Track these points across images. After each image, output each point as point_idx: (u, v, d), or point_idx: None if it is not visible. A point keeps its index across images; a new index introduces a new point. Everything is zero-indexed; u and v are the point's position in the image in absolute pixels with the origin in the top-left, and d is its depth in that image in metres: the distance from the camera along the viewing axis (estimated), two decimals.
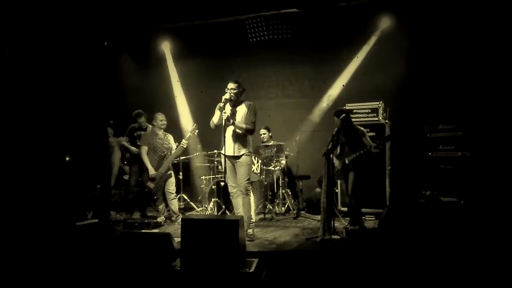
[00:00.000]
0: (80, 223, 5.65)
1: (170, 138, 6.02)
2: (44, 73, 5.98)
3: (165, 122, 5.93)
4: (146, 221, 5.62)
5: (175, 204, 5.89)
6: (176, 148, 5.86)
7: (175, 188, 5.96)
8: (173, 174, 5.95)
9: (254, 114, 4.81)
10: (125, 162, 6.44)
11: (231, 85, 4.79)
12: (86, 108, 6.44)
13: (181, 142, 5.76)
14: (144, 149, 5.82)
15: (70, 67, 6.27)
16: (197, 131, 5.75)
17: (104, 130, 6.60)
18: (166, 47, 7.91)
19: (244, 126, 4.75)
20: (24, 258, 4.13)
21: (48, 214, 5.48)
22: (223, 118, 4.64)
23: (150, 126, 6.27)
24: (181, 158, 6.40)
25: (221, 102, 4.67)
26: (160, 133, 5.92)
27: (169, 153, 5.86)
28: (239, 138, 4.79)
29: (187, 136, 5.75)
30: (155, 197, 5.82)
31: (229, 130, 4.79)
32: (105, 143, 6.62)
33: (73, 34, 6.25)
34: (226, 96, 4.68)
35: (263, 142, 6.69)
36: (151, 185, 5.73)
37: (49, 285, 3.70)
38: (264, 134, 6.71)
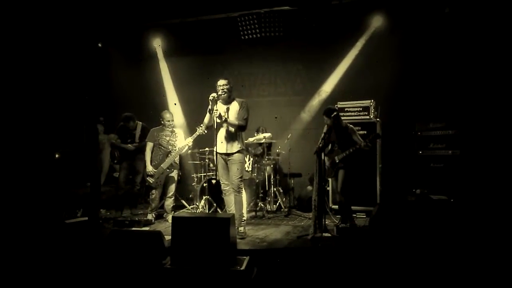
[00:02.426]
0: (69, 221, 5.59)
1: (179, 135, 5.96)
2: (33, 70, 5.91)
3: (171, 122, 5.88)
4: (137, 219, 5.59)
5: (169, 202, 5.87)
6: (182, 145, 5.79)
7: (174, 187, 5.93)
8: (176, 173, 5.91)
9: (246, 111, 4.80)
10: (115, 161, 6.38)
11: (221, 82, 4.77)
12: (76, 105, 6.38)
13: (186, 140, 5.68)
14: (149, 145, 5.80)
15: (60, 63, 6.20)
16: (206, 131, 5.33)
17: (94, 127, 6.54)
18: (157, 44, 7.86)
19: (236, 123, 4.73)
20: (13, 257, 4.08)
21: (38, 212, 5.43)
22: (215, 116, 4.62)
23: (140, 123, 6.21)
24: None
25: (210, 103, 4.63)
26: (167, 129, 5.87)
27: (175, 150, 5.82)
28: (231, 136, 4.78)
29: (194, 135, 5.48)
30: (152, 193, 5.78)
31: (222, 128, 4.78)
32: (95, 140, 6.55)
33: (64, 31, 6.18)
34: (212, 96, 4.64)
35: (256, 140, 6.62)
36: (150, 180, 5.70)
37: (39, 284, 3.65)
38: (266, 136, 6.39)
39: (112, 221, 5.69)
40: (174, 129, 5.94)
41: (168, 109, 7.35)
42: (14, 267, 3.86)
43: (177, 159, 5.92)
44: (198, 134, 5.39)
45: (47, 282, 3.67)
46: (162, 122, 5.87)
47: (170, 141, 5.82)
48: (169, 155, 5.76)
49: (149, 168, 5.70)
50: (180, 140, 5.90)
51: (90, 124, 6.37)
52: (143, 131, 6.10)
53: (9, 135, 5.61)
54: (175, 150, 5.79)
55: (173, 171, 5.84)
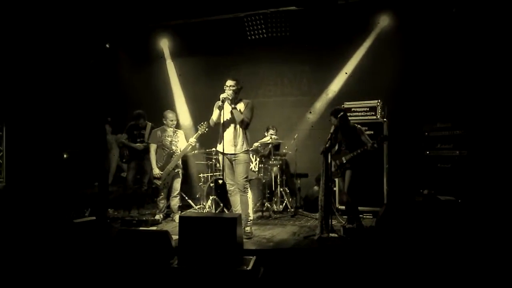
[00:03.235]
0: (77, 220, 5.64)
1: (181, 135, 5.99)
2: (42, 71, 5.97)
3: (174, 121, 5.94)
4: (144, 218, 5.62)
5: (175, 202, 5.90)
6: (185, 146, 5.83)
7: (178, 186, 5.96)
8: (180, 173, 5.94)
9: (250, 110, 4.80)
10: (124, 160, 6.43)
11: (229, 82, 4.78)
12: (84, 105, 6.43)
13: (190, 140, 5.73)
14: (153, 147, 5.82)
15: (68, 65, 6.25)
16: (207, 129, 5.51)
17: (102, 128, 6.59)
18: (164, 45, 7.89)
19: (242, 116, 4.71)
20: (22, 256, 4.12)
21: (46, 211, 5.48)
22: (220, 107, 4.62)
23: (150, 124, 6.25)
24: None
25: (219, 100, 4.66)
26: (170, 130, 5.90)
27: (178, 151, 5.84)
28: (237, 136, 4.78)
29: (196, 134, 5.62)
30: (161, 194, 5.81)
31: (228, 128, 4.79)
32: (103, 140, 6.61)
33: (72, 32, 6.24)
34: (224, 95, 4.66)
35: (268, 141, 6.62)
36: (158, 182, 5.73)
37: (47, 283, 3.69)
38: (273, 135, 6.55)
39: (120, 221, 5.73)
40: (175, 129, 5.98)
41: (175, 109, 7.41)
42: (23, 266, 3.91)
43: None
44: (200, 133, 5.50)
45: (55, 280, 3.70)
46: (165, 121, 5.90)
47: (173, 142, 5.85)
48: (173, 156, 5.79)
49: (156, 171, 5.72)
50: (182, 140, 5.94)
51: (98, 124, 6.43)
52: (151, 132, 6.13)
53: (18, 136, 5.68)
54: (178, 150, 5.83)
55: (178, 171, 5.87)
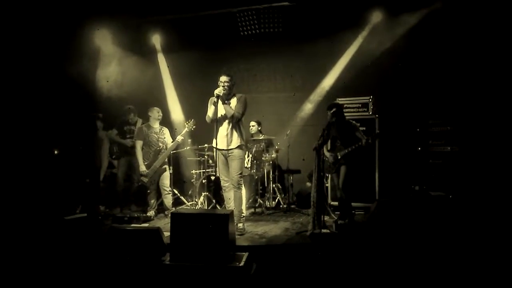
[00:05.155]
0: (69, 217, 5.61)
1: (166, 132, 5.97)
2: (31, 66, 5.89)
3: (161, 115, 5.95)
4: (136, 215, 5.59)
5: (168, 199, 5.88)
6: (171, 143, 5.82)
7: (168, 182, 5.93)
8: (168, 169, 5.92)
9: (242, 104, 4.78)
10: (113, 157, 6.39)
11: (223, 78, 4.75)
12: (75, 101, 6.38)
13: (177, 138, 5.72)
14: (139, 144, 5.78)
15: (58, 59, 6.19)
16: (194, 126, 5.68)
17: (93, 124, 6.54)
18: (156, 40, 7.81)
19: (232, 111, 4.71)
20: (13, 252, 4.09)
21: (37, 208, 5.44)
22: (215, 103, 4.60)
23: (140, 120, 6.21)
24: (171, 152, 6.36)
25: (213, 96, 4.64)
26: (156, 126, 5.87)
27: (164, 148, 5.82)
28: (232, 131, 4.77)
29: (183, 131, 5.68)
30: (148, 191, 5.79)
31: (224, 124, 4.78)
32: (94, 136, 6.56)
33: (61, 26, 6.17)
34: (219, 91, 4.63)
35: (251, 134, 6.68)
36: (144, 179, 5.70)
37: (39, 279, 3.66)
38: (253, 126, 6.71)
39: (111, 218, 5.68)
40: (161, 126, 5.96)
41: (168, 105, 7.38)
42: (14, 263, 3.87)
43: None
44: (187, 130, 5.58)
45: (46, 278, 3.67)
46: (151, 115, 5.88)
47: (159, 139, 5.83)
48: (160, 153, 5.77)
49: (143, 168, 5.70)
50: (168, 137, 5.93)
51: (89, 120, 6.38)
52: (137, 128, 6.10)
53: (8, 132, 5.61)
54: (165, 147, 5.82)
55: (165, 168, 5.86)
